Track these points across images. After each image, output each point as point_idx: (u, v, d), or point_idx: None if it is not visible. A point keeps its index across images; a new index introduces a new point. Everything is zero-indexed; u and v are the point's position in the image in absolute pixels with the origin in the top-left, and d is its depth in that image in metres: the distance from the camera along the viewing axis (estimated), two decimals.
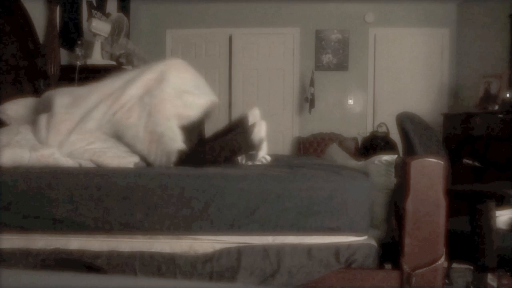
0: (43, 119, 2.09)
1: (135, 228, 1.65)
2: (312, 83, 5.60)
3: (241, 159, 2.22)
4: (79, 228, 1.65)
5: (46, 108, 2.17)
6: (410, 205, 1.58)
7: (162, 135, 2.01)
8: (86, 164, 2.00)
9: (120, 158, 1.99)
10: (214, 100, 2.27)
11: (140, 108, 2.06)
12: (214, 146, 2.10)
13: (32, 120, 2.20)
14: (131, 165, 1.99)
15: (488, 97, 4.51)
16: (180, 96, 2.10)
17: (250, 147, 2.11)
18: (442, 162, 1.59)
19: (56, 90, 2.31)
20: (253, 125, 2.10)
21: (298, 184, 1.68)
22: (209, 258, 1.61)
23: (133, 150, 2.06)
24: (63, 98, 2.15)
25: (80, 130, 2.06)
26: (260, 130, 2.08)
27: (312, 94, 5.59)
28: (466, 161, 4.07)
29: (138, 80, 2.13)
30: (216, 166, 1.97)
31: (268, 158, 2.29)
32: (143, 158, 2.07)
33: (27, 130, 2.08)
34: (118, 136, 2.08)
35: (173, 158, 2.01)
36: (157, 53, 5.66)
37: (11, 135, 2.00)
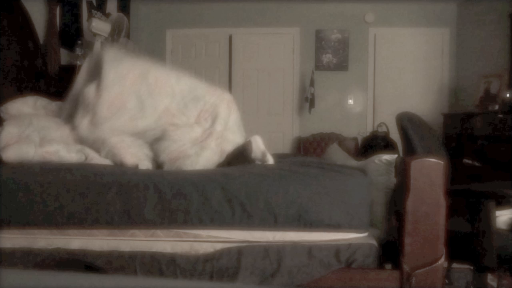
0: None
1: (136, 223, 1.65)
2: (312, 83, 5.60)
3: None
4: (80, 224, 1.66)
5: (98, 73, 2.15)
6: (410, 205, 1.58)
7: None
8: (91, 156, 2.02)
9: (136, 159, 2.01)
10: (245, 139, 2.31)
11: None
12: None
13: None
14: (144, 167, 2.01)
15: (488, 97, 4.51)
16: (223, 132, 2.13)
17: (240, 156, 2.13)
18: (442, 162, 1.59)
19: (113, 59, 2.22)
20: (249, 143, 2.10)
21: (299, 181, 1.68)
22: (209, 258, 1.62)
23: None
24: (118, 69, 2.15)
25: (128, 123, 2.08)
26: (258, 145, 2.09)
27: (312, 94, 5.59)
28: (466, 161, 4.07)
29: (194, 107, 2.16)
30: None
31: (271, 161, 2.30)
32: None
33: (39, 121, 2.10)
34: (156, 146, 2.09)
35: None
36: (157, 53, 5.67)
37: (22, 127, 2.01)
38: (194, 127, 2.10)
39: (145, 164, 2.01)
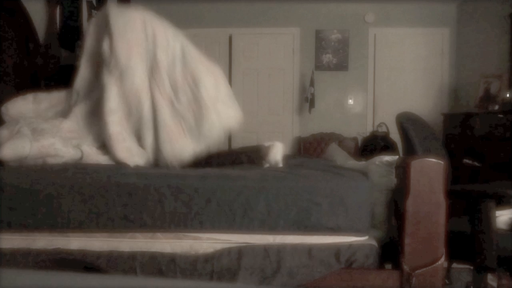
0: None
1: (136, 225, 1.65)
2: (312, 83, 5.60)
3: None
4: (80, 226, 1.66)
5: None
6: (410, 205, 1.58)
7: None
8: (88, 152, 2.03)
9: (127, 154, 2.05)
10: (241, 116, 2.33)
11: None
12: (224, 156, 2.20)
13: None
14: (132, 164, 2.02)
15: (488, 97, 4.51)
16: (215, 104, 2.16)
17: (255, 159, 2.14)
18: (442, 162, 1.59)
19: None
20: (269, 148, 2.12)
21: (299, 184, 1.68)
22: (209, 258, 1.61)
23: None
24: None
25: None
26: (277, 153, 2.11)
27: (312, 94, 5.59)
28: (466, 161, 4.07)
29: (181, 69, 2.20)
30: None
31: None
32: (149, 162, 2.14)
33: (25, 119, 2.12)
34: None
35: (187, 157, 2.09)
36: None
37: (11, 127, 2.02)
38: (185, 114, 2.13)
39: (135, 161, 2.06)
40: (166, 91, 2.15)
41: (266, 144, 2.21)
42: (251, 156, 2.14)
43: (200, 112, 2.13)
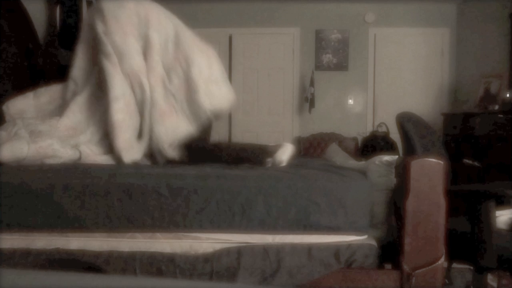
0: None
1: (136, 225, 1.65)
2: (312, 83, 5.60)
3: None
4: (80, 226, 1.66)
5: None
6: (410, 205, 1.58)
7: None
8: (86, 153, 2.03)
9: (127, 145, 2.08)
10: (234, 96, 2.35)
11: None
12: (231, 148, 2.22)
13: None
14: (128, 159, 2.05)
15: (488, 97, 4.51)
16: (207, 84, 2.17)
17: (260, 159, 2.13)
18: (442, 162, 1.59)
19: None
20: (278, 146, 2.12)
21: (298, 183, 1.68)
22: (209, 258, 1.61)
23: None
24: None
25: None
26: (284, 153, 2.10)
27: (312, 94, 5.59)
28: (466, 161, 4.07)
29: (173, 50, 2.21)
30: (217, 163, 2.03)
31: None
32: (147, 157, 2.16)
33: (23, 120, 2.13)
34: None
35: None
36: None
37: (9, 128, 2.02)
38: (177, 94, 2.16)
39: (132, 154, 2.08)
40: (159, 72, 2.17)
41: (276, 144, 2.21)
42: (257, 152, 2.13)
43: (191, 92, 2.14)
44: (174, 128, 2.14)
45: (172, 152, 2.15)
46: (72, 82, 2.31)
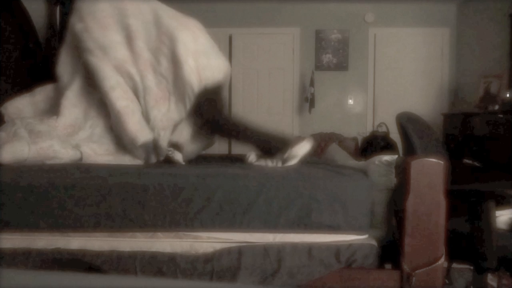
0: None
1: (136, 225, 1.65)
2: (312, 83, 5.60)
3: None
4: (81, 226, 1.66)
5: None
6: (410, 205, 1.58)
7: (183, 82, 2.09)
8: (87, 154, 2.03)
9: (140, 127, 2.07)
10: (228, 64, 2.32)
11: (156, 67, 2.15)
12: (249, 130, 2.20)
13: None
14: (143, 141, 2.05)
15: (488, 97, 4.51)
16: (196, 58, 2.13)
17: (281, 151, 2.12)
18: (442, 162, 1.59)
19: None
20: (299, 140, 2.11)
21: (299, 182, 1.68)
22: (209, 258, 1.61)
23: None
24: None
25: None
26: (302, 148, 2.10)
27: (312, 94, 5.59)
28: (466, 161, 4.07)
29: (155, 32, 2.18)
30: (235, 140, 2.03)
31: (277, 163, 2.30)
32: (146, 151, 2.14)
33: (22, 120, 2.12)
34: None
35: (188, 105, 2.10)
36: None
37: (8, 128, 2.02)
38: (168, 75, 2.14)
39: (146, 135, 2.06)
40: (146, 58, 2.14)
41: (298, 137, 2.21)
42: (278, 141, 2.13)
43: (177, 69, 2.10)
44: (167, 112, 2.12)
45: (166, 140, 2.14)
46: (60, 78, 2.30)
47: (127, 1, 2.20)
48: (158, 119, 2.11)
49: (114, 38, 2.14)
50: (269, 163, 2.13)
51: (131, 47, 2.14)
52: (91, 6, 2.18)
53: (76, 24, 2.18)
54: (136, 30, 2.15)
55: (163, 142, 2.14)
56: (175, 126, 2.22)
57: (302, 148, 2.09)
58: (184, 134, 2.32)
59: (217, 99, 2.26)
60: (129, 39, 2.15)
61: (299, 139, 2.13)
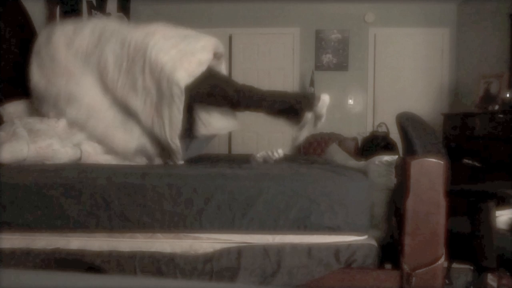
0: None
1: (136, 226, 1.65)
2: (312, 83, 5.60)
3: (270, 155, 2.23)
4: (80, 227, 1.66)
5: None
6: (410, 205, 1.58)
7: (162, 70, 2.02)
8: (88, 152, 2.03)
9: (125, 141, 2.09)
10: (214, 40, 2.30)
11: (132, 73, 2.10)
12: (273, 94, 2.20)
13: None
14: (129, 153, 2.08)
15: (488, 97, 4.51)
16: (177, 49, 2.11)
17: (308, 108, 2.12)
18: (442, 162, 1.59)
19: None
20: (318, 98, 2.11)
21: (298, 183, 1.68)
22: (209, 258, 1.61)
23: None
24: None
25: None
26: (323, 107, 2.12)
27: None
28: (466, 161, 4.07)
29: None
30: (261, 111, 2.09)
31: (281, 153, 2.33)
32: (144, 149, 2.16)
33: (21, 119, 2.13)
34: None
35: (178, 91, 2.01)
36: None
37: (7, 128, 2.02)
38: (150, 88, 2.09)
39: (134, 142, 2.10)
40: (124, 83, 2.08)
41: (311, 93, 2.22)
42: (297, 106, 2.11)
43: (158, 74, 2.04)
44: (168, 122, 2.06)
45: (178, 143, 2.13)
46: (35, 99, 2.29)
47: (80, 39, 2.16)
48: (164, 133, 2.08)
49: (83, 84, 2.10)
50: (276, 154, 2.14)
51: (105, 82, 2.11)
52: (48, 60, 2.15)
53: (40, 82, 2.16)
54: (104, 64, 2.10)
55: (175, 146, 2.11)
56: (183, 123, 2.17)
57: (324, 106, 2.10)
58: (215, 114, 2.39)
59: (218, 74, 2.29)
60: (102, 74, 2.11)
61: (317, 96, 2.14)
